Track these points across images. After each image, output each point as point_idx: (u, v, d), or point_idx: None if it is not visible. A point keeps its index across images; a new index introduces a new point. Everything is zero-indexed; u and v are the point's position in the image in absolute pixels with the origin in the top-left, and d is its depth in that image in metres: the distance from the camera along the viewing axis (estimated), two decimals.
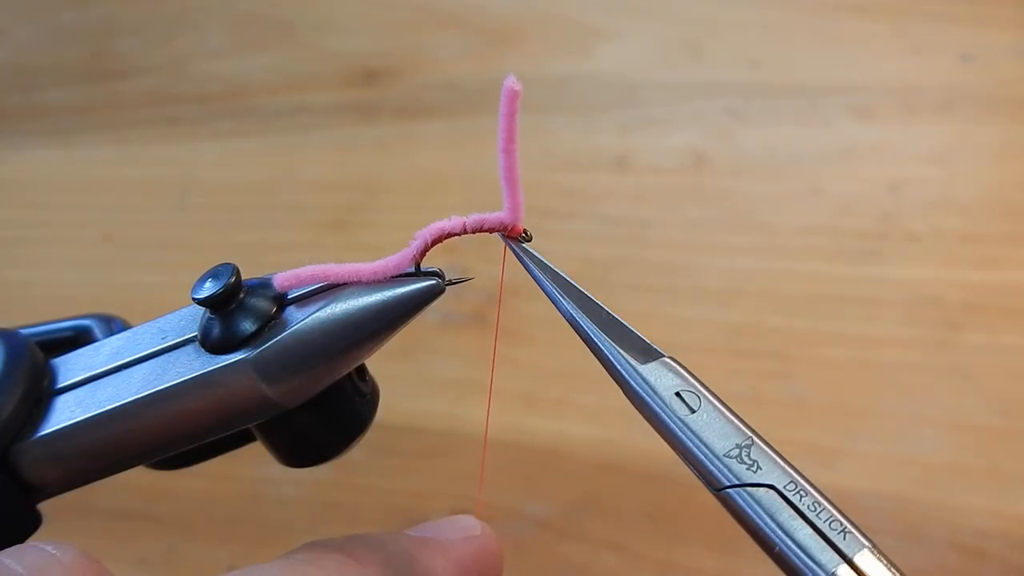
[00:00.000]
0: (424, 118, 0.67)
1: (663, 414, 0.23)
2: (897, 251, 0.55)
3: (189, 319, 0.26)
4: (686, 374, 0.24)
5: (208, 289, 0.24)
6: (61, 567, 0.20)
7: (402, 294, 0.25)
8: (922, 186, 0.56)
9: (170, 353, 0.25)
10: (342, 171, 0.66)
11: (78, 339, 0.30)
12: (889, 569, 0.21)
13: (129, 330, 0.27)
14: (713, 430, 0.23)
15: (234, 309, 0.24)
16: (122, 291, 0.65)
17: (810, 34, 0.63)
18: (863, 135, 0.59)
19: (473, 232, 0.25)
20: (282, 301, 0.25)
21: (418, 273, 0.25)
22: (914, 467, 0.49)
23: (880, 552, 0.21)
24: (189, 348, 0.25)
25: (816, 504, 0.22)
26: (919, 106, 0.59)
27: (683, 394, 0.23)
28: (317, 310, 0.24)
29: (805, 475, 0.23)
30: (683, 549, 0.49)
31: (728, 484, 0.22)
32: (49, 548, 0.20)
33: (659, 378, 0.24)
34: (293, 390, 0.24)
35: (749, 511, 0.22)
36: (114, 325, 0.30)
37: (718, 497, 0.22)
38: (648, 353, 0.24)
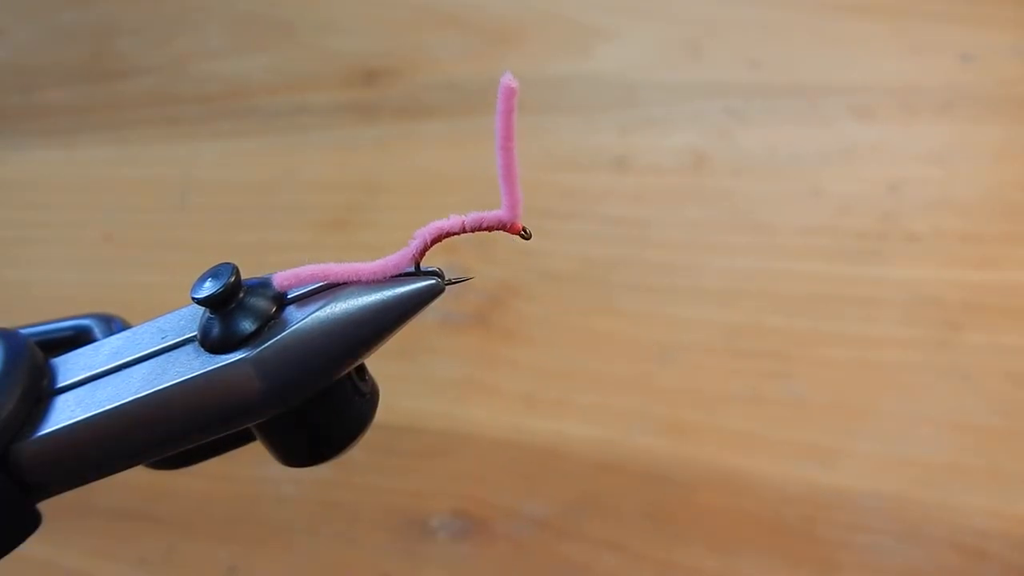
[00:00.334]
0: (424, 118, 0.67)
1: None
2: (897, 251, 0.55)
3: (189, 319, 0.26)
4: None
5: (208, 289, 0.24)
6: None
7: (402, 294, 0.25)
8: (922, 186, 0.56)
9: (170, 353, 0.25)
10: (342, 171, 0.66)
11: (78, 339, 0.30)
12: None
13: (129, 330, 0.27)
14: None
15: (234, 309, 0.24)
16: (122, 291, 0.65)
17: (810, 34, 0.63)
18: (863, 135, 0.59)
19: (472, 231, 0.25)
20: (282, 301, 0.25)
21: (418, 273, 0.25)
22: (914, 467, 0.49)
23: None
24: (189, 348, 0.25)
25: None
26: (919, 106, 0.59)
27: None
28: (317, 310, 0.24)
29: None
30: (683, 549, 0.49)
31: None
32: None
33: None
34: (293, 390, 0.24)
35: None
36: (114, 325, 0.30)
37: None
38: None
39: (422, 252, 0.25)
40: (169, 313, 0.27)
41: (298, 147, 0.68)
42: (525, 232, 0.25)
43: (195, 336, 0.25)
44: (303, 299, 0.25)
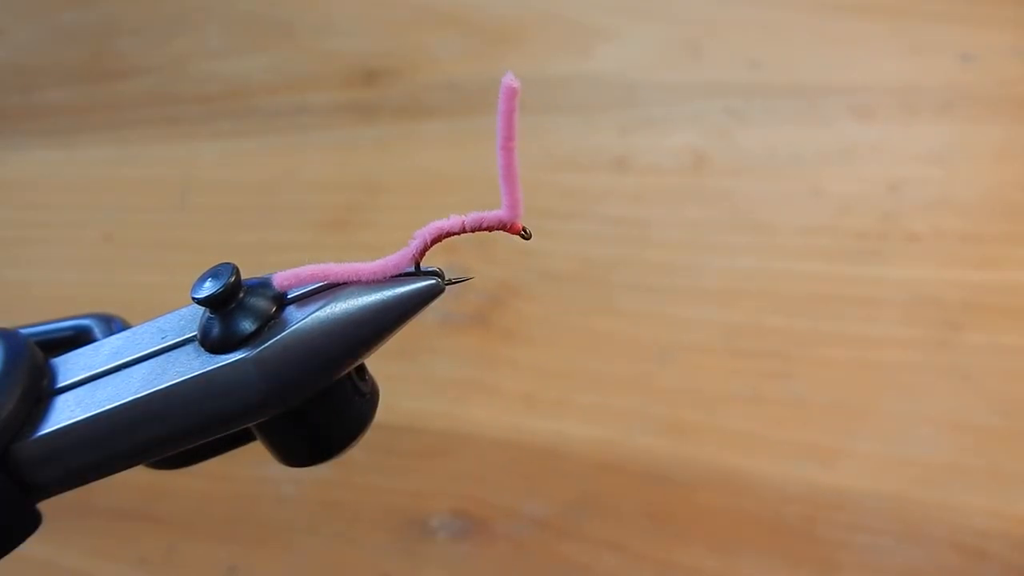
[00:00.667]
0: (424, 118, 0.67)
1: None
2: (897, 251, 0.55)
3: (189, 319, 0.26)
4: None
5: (208, 289, 0.24)
6: None
7: (402, 294, 0.25)
8: (922, 186, 0.56)
9: (170, 353, 0.25)
10: (342, 171, 0.66)
11: (78, 339, 0.30)
12: None
13: (129, 330, 0.27)
14: None
15: (234, 309, 0.24)
16: (122, 291, 0.65)
17: (810, 34, 0.63)
18: (863, 135, 0.59)
19: (472, 231, 0.25)
20: (282, 301, 0.25)
21: (418, 273, 0.25)
22: (914, 467, 0.49)
23: None
24: (189, 348, 0.25)
25: None
26: (919, 106, 0.59)
27: None
28: (317, 310, 0.24)
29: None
30: (683, 549, 0.49)
31: None
32: None
33: None
34: (293, 390, 0.24)
35: None
36: (114, 325, 0.30)
37: None
38: None
39: (422, 252, 0.25)
40: (169, 313, 0.27)
41: (298, 147, 0.68)
42: (525, 232, 0.25)
43: (195, 336, 0.25)
44: (303, 299, 0.25)
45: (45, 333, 0.30)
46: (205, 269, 0.25)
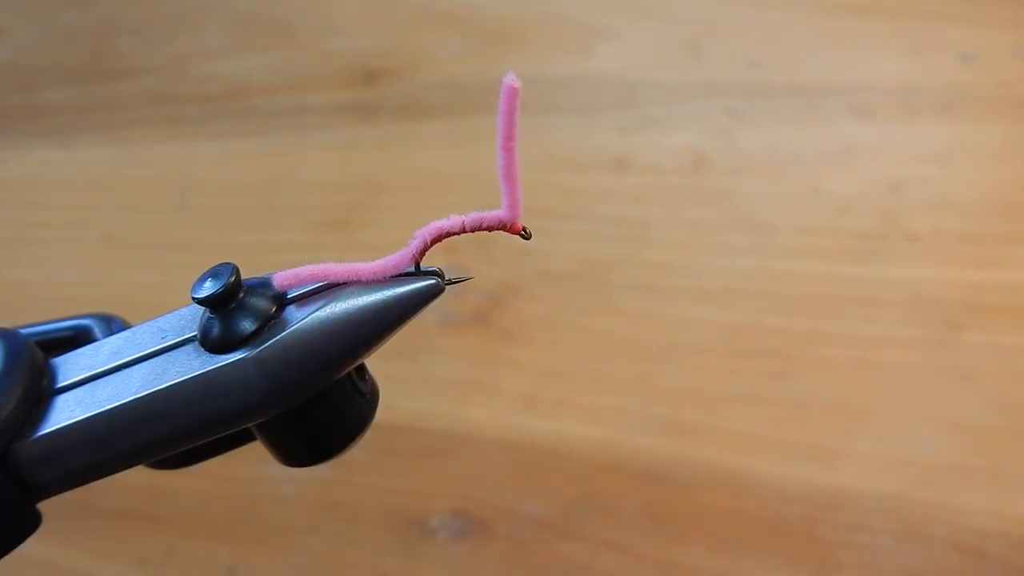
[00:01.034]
0: (424, 118, 0.67)
1: None
2: (897, 251, 0.55)
3: (189, 319, 0.26)
4: None
5: (208, 289, 0.24)
6: None
7: (402, 294, 0.25)
8: (922, 186, 0.56)
9: (170, 353, 0.25)
10: (342, 171, 0.66)
11: (78, 339, 0.30)
12: None
13: (129, 330, 0.27)
14: None
15: (234, 308, 0.24)
16: (122, 291, 0.65)
17: (810, 34, 0.63)
18: (863, 135, 0.59)
19: (472, 231, 0.25)
20: (282, 301, 0.25)
21: (418, 273, 0.25)
22: (914, 467, 0.49)
23: None
24: (189, 348, 0.25)
25: None
26: (919, 106, 0.59)
27: None
28: (317, 309, 0.24)
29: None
30: (683, 549, 0.49)
31: None
32: None
33: None
34: (293, 390, 0.24)
35: None
36: (114, 325, 0.30)
37: None
38: None
39: (422, 252, 0.25)
40: (169, 313, 0.27)
41: (298, 147, 0.68)
42: (525, 232, 0.25)
43: (195, 336, 0.25)
44: (303, 299, 0.25)
45: (45, 333, 0.30)
46: (205, 269, 0.25)
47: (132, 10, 0.78)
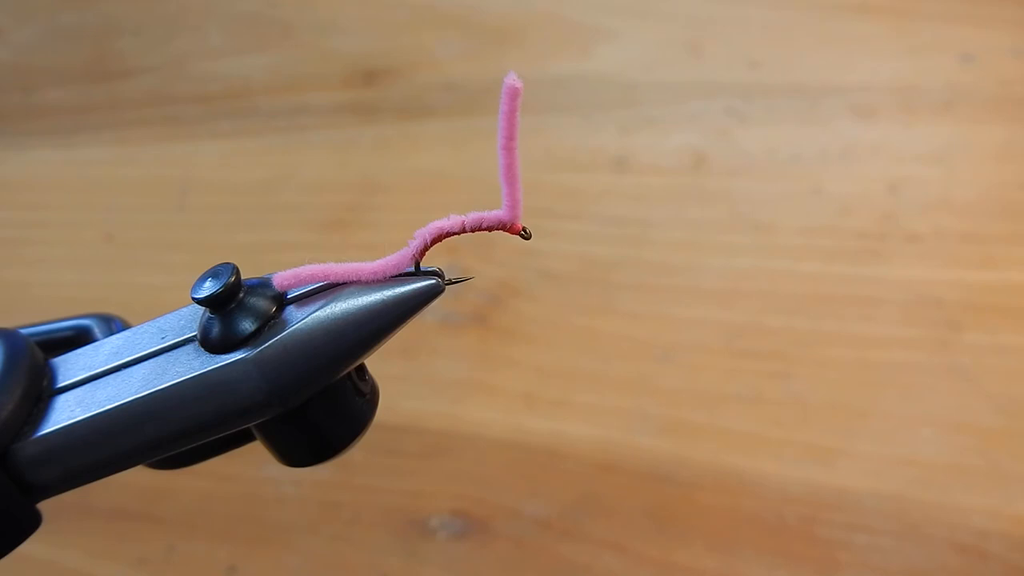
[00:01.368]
0: (424, 118, 0.67)
1: None
2: (897, 251, 0.55)
3: (189, 319, 0.26)
4: None
5: (208, 289, 0.24)
6: None
7: (402, 294, 0.25)
8: (922, 186, 0.56)
9: (170, 353, 0.25)
10: (342, 171, 0.66)
11: (78, 339, 0.30)
12: None
13: (129, 330, 0.27)
14: None
15: (234, 309, 0.24)
16: (122, 291, 0.65)
17: (810, 34, 0.63)
18: (863, 135, 0.59)
19: (472, 231, 0.25)
20: (282, 301, 0.25)
21: (418, 273, 0.25)
22: (914, 467, 0.49)
23: None
24: (189, 348, 0.25)
25: None
26: (919, 106, 0.59)
27: None
28: (317, 310, 0.24)
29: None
30: (683, 549, 0.49)
31: None
32: None
33: None
34: (293, 390, 0.24)
35: None
36: (114, 325, 0.30)
37: None
38: None
39: (422, 252, 0.25)
40: (169, 313, 0.27)
41: (298, 147, 0.68)
42: (525, 232, 0.25)
43: (195, 336, 0.25)
44: (303, 299, 0.25)
45: (45, 333, 0.30)
46: (205, 269, 0.25)
47: (132, 10, 0.78)
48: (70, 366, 0.27)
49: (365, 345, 0.25)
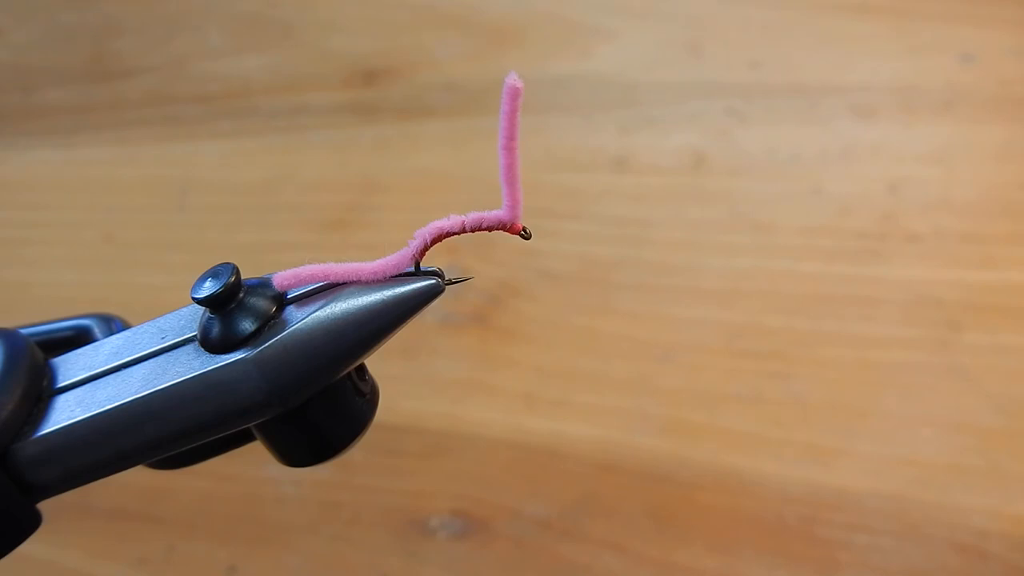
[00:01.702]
0: (424, 118, 0.67)
1: None
2: (897, 251, 0.55)
3: (189, 319, 0.26)
4: None
5: (208, 289, 0.24)
6: None
7: (402, 294, 0.25)
8: (922, 186, 0.56)
9: (170, 353, 0.25)
10: (342, 171, 0.66)
11: (78, 339, 0.30)
12: None
13: (129, 330, 0.27)
14: None
15: (234, 309, 0.24)
16: (122, 291, 0.65)
17: (810, 34, 0.63)
18: (863, 135, 0.59)
19: (472, 231, 0.25)
20: (282, 301, 0.25)
21: (418, 273, 0.25)
22: (914, 467, 0.49)
23: None
24: (189, 348, 0.25)
25: None
26: (919, 106, 0.59)
27: None
28: (317, 310, 0.24)
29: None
30: (683, 549, 0.49)
31: None
32: None
33: None
34: (293, 390, 0.24)
35: None
36: (114, 325, 0.30)
37: None
38: None
39: (422, 252, 0.25)
40: (169, 313, 0.27)
41: (298, 147, 0.68)
42: (525, 232, 0.25)
43: (195, 336, 0.25)
44: (303, 299, 0.25)
45: (45, 333, 0.30)
46: (205, 269, 0.25)
47: (132, 10, 0.78)
48: (70, 366, 0.27)
49: (365, 345, 0.25)
